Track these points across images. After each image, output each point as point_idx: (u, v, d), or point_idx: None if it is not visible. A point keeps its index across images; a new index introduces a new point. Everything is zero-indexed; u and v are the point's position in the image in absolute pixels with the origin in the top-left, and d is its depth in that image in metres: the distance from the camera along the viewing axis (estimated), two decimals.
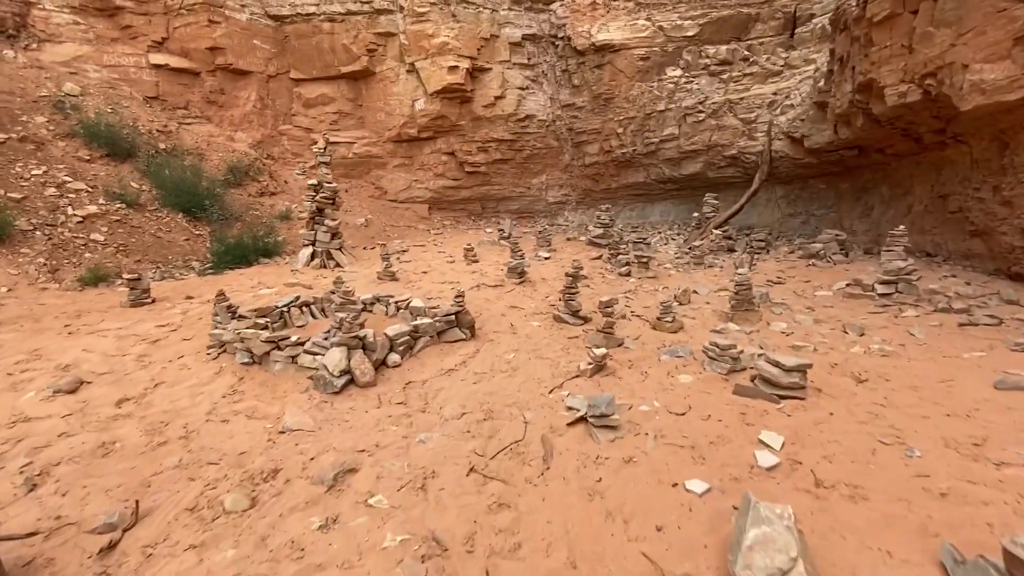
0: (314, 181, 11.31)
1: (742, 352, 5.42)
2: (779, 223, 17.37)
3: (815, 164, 15.00)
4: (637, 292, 9.61)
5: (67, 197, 10.97)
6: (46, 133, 12.31)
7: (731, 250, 14.28)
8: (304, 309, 7.26)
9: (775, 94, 16.61)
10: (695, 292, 9.22)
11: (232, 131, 17.52)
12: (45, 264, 9.29)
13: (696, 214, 17.69)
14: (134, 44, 16.19)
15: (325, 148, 11.67)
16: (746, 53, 17.49)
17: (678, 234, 17.78)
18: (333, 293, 7.65)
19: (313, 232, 11.34)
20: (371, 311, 7.60)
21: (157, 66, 16.33)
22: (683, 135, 17.94)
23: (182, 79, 16.79)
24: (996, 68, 8.06)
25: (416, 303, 7.14)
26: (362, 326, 5.87)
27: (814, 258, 12.07)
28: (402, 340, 5.78)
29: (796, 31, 17.20)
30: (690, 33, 17.76)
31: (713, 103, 17.39)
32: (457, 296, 6.50)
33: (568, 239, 16.10)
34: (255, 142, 17.76)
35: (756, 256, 11.76)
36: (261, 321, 6.31)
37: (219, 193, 13.55)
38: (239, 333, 5.53)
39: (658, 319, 7.13)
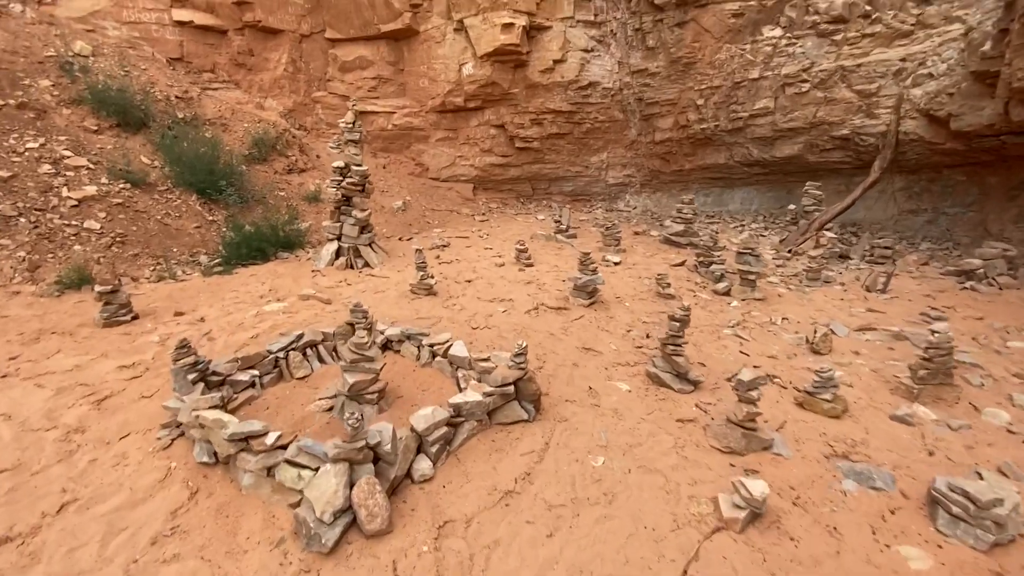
0: (340, 163, 9.38)
1: (1016, 508, 3.15)
2: (894, 221, 14.28)
3: (960, 151, 11.84)
4: (746, 324, 7.29)
5: (64, 175, 9.50)
6: (49, 99, 10.85)
7: (844, 256, 11.54)
8: (310, 351, 5.41)
9: (903, 60, 13.28)
10: (831, 331, 6.79)
11: (261, 98, 15.78)
12: (25, 259, 7.83)
13: (792, 206, 14.84)
14: None
15: (355, 123, 9.67)
16: (867, 8, 14.08)
17: (766, 229, 15.02)
18: (352, 327, 5.75)
19: (339, 224, 9.48)
20: (398, 351, 5.67)
21: (181, 23, 14.62)
22: (780, 109, 14.89)
23: (208, 38, 15.06)
24: None
25: (458, 350, 5.15)
26: (376, 378, 3.94)
27: (967, 277, 9.28)
28: (437, 435, 3.81)
29: None
30: None
31: (821, 71, 14.21)
32: (517, 354, 4.44)
33: (636, 233, 13.69)
34: (286, 111, 15.98)
35: (888, 273, 9.10)
36: (243, 378, 4.47)
37: (241, 171, 11.87)
38: (197, 415, 3.69)
39: (810, 394, 4.86)
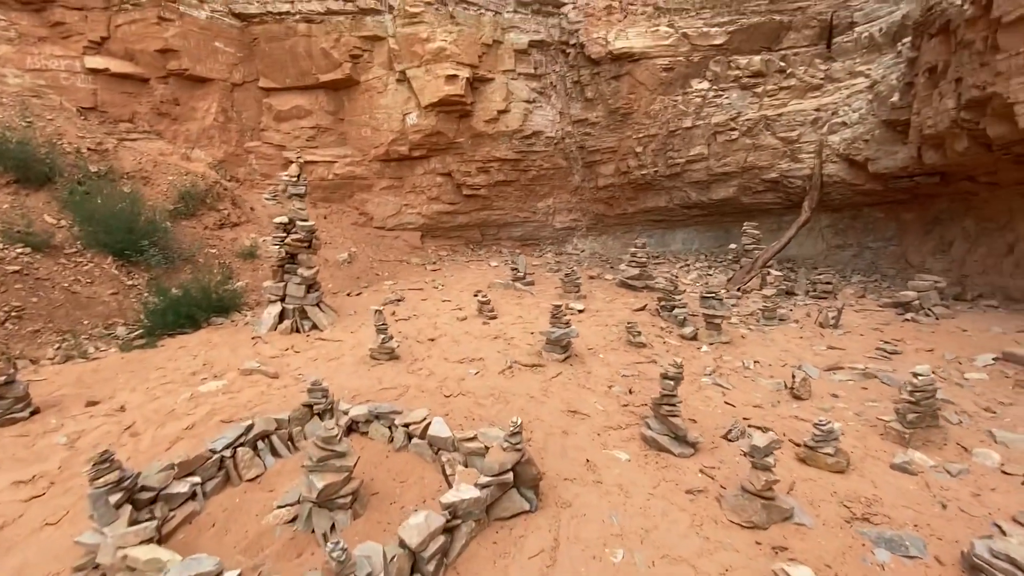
0: (283, 218, 8.67)
1: None
2: (824, 256, 15.29)
3: (879, 191, 12.95)
4: (721, 370, 7.20)
5: None
6: None
7: (790, 293, 12.04)
8: (261, 443, 4.61)
9: (818, 110, 14.60)
10: (805, 374, 6.81)
11: (188, 148, 14.71)
12: None
13: (733, 245, 15.52)
14: (66, 44, 13.32)
15: (300, 176, 9.06)
16: (781, 64, 15.48)
17: (710, 267, 15.56)
18: (310, 409, 5.01)
19: (282, 284, 8.66)
20: (366, 432, 4.98)
21: (95, 71, 13.47)
22: (713, 155, 15.81)
23: (126, 87, 13.95)
24: None
25: (438, 429, 4.58)
26: (349, 477, 3.32)
27: (905, 309, 9.86)
28: (434, 549, 3.20)
29: (834, 41, 15.18)
30: (718, 41, 15.70)
31: (747, 119, 15.32)
32: (513, 434, 3.95)
33: (591, 277, 13.69)
34: (216, 161, 14.97)
35: (839, 309, 9.52)
36: (181, 489, 3.65)
37: (165, 227, 10.75)
38: (124, 555, 2.88)
39: (811, 448, 4.69)
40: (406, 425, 4.78)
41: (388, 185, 17.15)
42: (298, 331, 8.62)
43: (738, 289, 12.37)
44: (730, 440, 5.17)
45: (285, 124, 16.10)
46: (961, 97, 8.98)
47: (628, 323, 8.13)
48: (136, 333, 8.34)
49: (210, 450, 4.18)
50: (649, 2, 16.70)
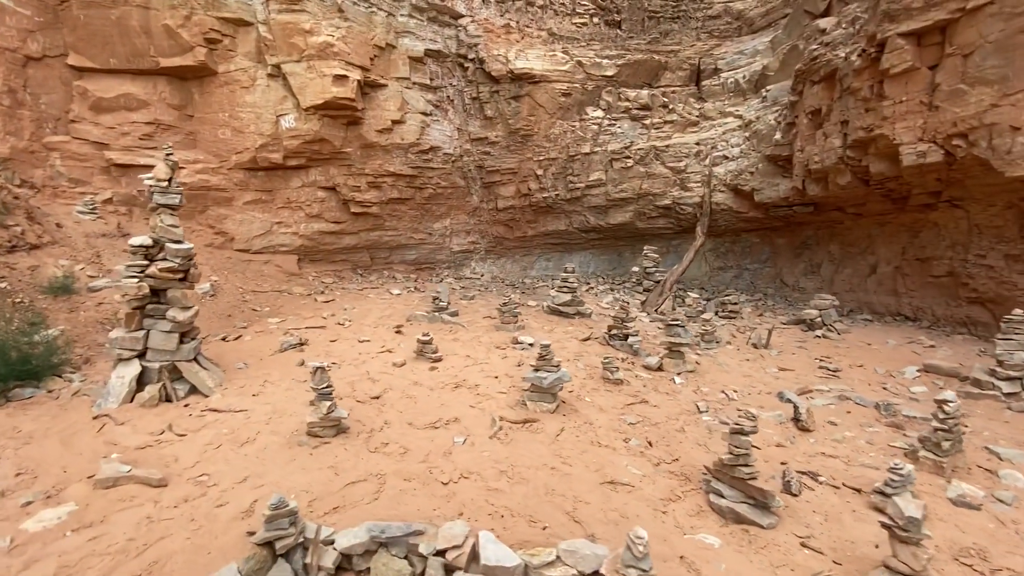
0: (144, 239, 6.06)
1: None
2: (708, 277, 16.57)
3: (759, 218, 14.38)
4: (709, 403, 6.72)
5: None
6: None
7: (700, 313, 12.51)
8: None
9: (698, 144, 15.88)
10: (808, 405, 6.61)
11: None
12: None
13: (636, 268, 15.94)
14: None
15: (171, 179, 6.52)
16: (664, 100, 16.66)
17: (611, 290, 15.75)
18: (271, 550, 3.10)
19: (141, 334, 6.00)
20: (366, 572, 3.23)
21: None
22: (611, 181, 16.19)
23: None
24: None
25: (494, 554, 3.09)
26: None
27: (808, 326, 10.77)
28: None
29: (703, 83, 16.83)
30: (609, 73, 16.32)
31: (639, 149, 16.03)
32: (638, 558, 2.70)
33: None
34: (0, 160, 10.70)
35: (769, 330, 9.99)
36: None
37: None
38: None
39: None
40: (440, 552, 3.18)
41: (254, 199, 14.18)
42: (169, 400, 6.03)
43: (657, 311, 12.53)
44: (793, 494, 4.55)
45: (107, 116, 12.32)
46: (847, 137, 10.20)
47: (605, 358, 7.32)
48: None
49: None
50: (543, 27, 16.79)
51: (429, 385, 6.69)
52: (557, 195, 16.47)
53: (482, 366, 7.51)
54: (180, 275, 6.30)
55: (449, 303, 10.87)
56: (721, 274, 16.39)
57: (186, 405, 5.96)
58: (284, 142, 13.44)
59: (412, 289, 14.28)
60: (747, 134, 14.37)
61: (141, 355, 6.10)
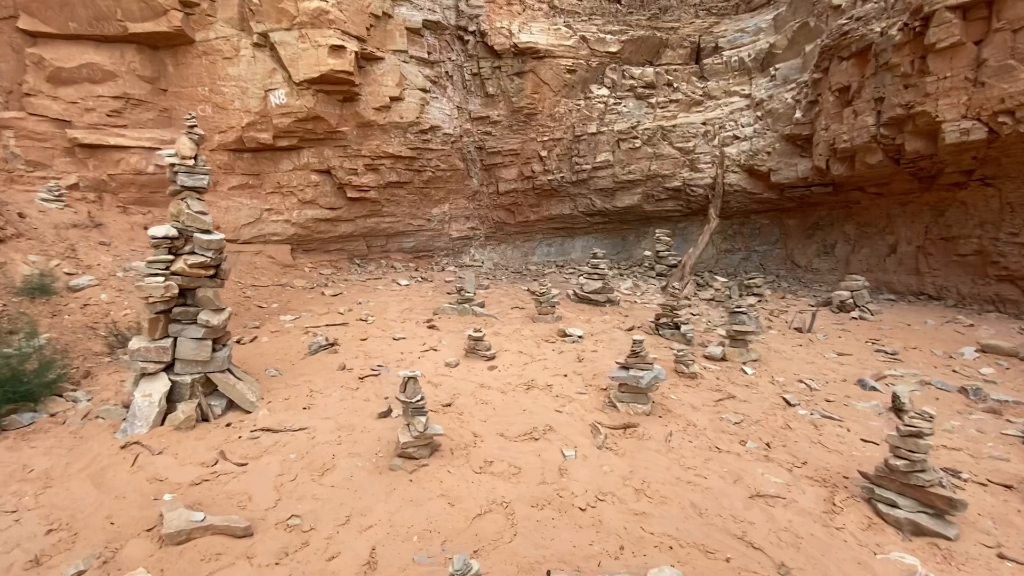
0: (168, 229, 5.06)
1: None
2: (716, 260, 16.39)
3: (773, 199, 14.21)
4: (792, 393, 6.35)
5: None
6: None
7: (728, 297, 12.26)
8: None
9: (705, 124, 15.52)
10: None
11: None
12: None
13: (648, 252, 15.57)
14: None
15: (197, 157, 5.48)
16: (668, 78, 16.18)
17: (620, 275, 15.34)
18: None
19: (169, 344, 5.03)
20: None
21: None
22: (618, 162, 15.67)
23: None
24: None
25: None
26: None
27: (836, 308, 10.65)
28: None
29: (704, 62, 16.43)
30: (612, 49, 15.67)
31: (646, 129, 15.54)
32: None
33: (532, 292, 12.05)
34: None
35: (813, 314, 9.78)
36: None
37: None
38: None
39: None
40: None
41: (241, 183, 12.87)
42: (206, 419, 5.11)
43: (682, 295, 12.17)
44: None
45: (68, 89, 10.75)
46: (881, 115, 10.00)
47: (678, 351, 6.80)
48: None
49: None
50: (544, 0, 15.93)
51: (498, 388, 6.01)
52: (562, 177, 15.83)
53: (542, 363, 6.88)
54: (211, 271, 5.33)
55: (474, 292, 10.11)
56: (729, 256, 16.24)
57: (228, 425, 5.05)
58: (274, 120, 12.16)
59: (419, 279, 13.40)
60: (759, 113, 14.09)
61: (168, 368, 5.13)
